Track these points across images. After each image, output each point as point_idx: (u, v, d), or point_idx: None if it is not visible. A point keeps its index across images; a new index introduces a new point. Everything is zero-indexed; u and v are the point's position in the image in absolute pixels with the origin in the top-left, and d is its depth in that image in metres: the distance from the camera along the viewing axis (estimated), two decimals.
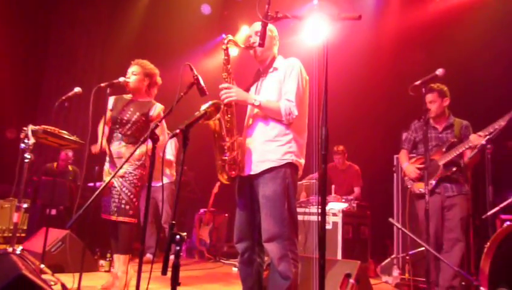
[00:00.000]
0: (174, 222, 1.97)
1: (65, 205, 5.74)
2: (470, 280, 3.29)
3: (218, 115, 2.52)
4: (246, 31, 7.18)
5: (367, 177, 6.08)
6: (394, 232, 5.13)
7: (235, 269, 5.41)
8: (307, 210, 5.04)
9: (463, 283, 3.64)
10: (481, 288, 3.01)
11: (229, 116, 2.68)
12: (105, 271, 4.59)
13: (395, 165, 5.24)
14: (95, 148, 3.71)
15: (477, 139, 3.48)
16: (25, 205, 3.65)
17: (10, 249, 3.25)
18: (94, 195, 2.34)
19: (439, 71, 3.17)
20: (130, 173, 3.50)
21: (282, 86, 2.70)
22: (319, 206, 1.93)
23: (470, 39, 5.50)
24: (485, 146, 3.42)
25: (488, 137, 3.40)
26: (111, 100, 3.70)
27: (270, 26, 2.77)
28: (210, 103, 2.36)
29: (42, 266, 3.50)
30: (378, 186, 5.97)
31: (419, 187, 3.80)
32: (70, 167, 6.58)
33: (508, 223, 3.14)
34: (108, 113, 3.66)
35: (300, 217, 4.63)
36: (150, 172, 2.44)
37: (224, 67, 2.72)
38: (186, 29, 8.12)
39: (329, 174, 6.05)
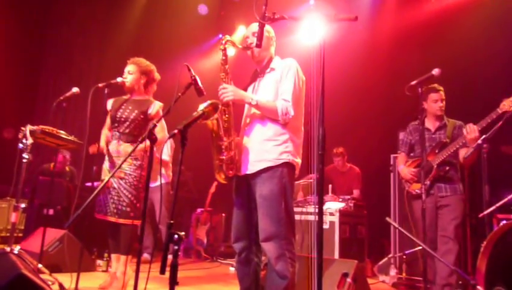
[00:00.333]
0: (172, 221, 1.98)
1: (63, 204, 5.74)
2: (467, 279, 3.31)
3: (216, 115, 2.53)
4: (243, 31, 7.19)
5: (364, 177, 6.08)
6: (391, 232, 5.16)
7: (232, 269, 5.41)
8: (304, 210, 5.06)
9: (460, 282, 3.67)
10: (478, 287, 3.03)
11: (226, 116, 2.69)
12: (103, 271, 4.60)
13: (392, 164, 5.26)
14: (93, 149, 3.71)
15: (470, 131, 3.44)
16: (23, 205, 3.66)
17: (8, 249, 3.25)
18: (93, 195, 2.34)
19: (435, 71, 3.18)
20: (130, 174, 3.50)
21: (279, 86, 2.72)
22: (316, 206, 1.94)
23: (466, 39, 5.53)
24: (481, 146, 3.44)
25: (484, 136, 3.41)
26: (110, 102, 3.71)
27: (267, 27, 2.78)
28: (208, 102, 2.37)
29: (40, 265, 3.51)
30: (375, 185, 5.99)
31: (415, 188, 3.84)
32: (67, 168, 6.58)
33: (504, 222, 3.16)
34: (108, 119, 3.67)
35: (297, 217, 4.66)
36: (147, 173, 2.44)
37: (222, 68, 2.73)
38: (183, 29, 8.12)
39: (330, 176, 6.04)
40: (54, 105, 3.70)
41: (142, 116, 3.61)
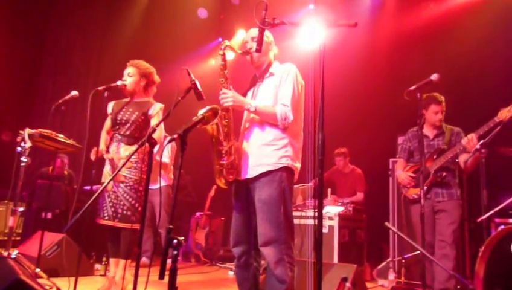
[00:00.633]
0: (171, 226, 1.97)
1: (61, 208, 5.73)
2: (465, 283, 3.31)
3: (215, 120, 2.53)
4: (242, 36, 7.20)
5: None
6: (390, 236, 5.16)
7: (231, 273, 5.40)
8: (303, 214, 5.06)
9: (458, 287, 3.67)
10: None
11: (226, 121, 2.70)
12: (101, 275, 4.58)
13: (391, 169, 5.27)
14: (94, 154, 3.70)
15: (469, 141, 3.50)
16: (21, 209, 3.64)
17: (5, 253, 3.23)
18: (92, 198, 2.33)
19: (434, 76, 3.19)
20: (130, 178, 3.49)
21: (278, 91, 2.73)
22: (316, 210, 1.94)
23: (465, 44, 5.54)
24: (479, 150, 3.45)
25: (482, 141, 3.43)
26: (110, 105, 3.71)
27: (266, 32, 2.78)
28: (208, 107, 2.37)
29: (37, 270, 3.49)
30: (374, 190, 5.98)
31: (412, 193, 3.88)
32: (65, 171, 6.56)
33: (503, 226, 3.17)
34: (108, 121, 3.66)
35: (296, 221, 4.65)
36: (147, 176, 2.44)
37: (221, 73, 2.73)
38: (183, 33, 8.12)
39: (332, 178, 6.04)
40: (53, 108, 3.69)
41: (142, 118, 3.60)
